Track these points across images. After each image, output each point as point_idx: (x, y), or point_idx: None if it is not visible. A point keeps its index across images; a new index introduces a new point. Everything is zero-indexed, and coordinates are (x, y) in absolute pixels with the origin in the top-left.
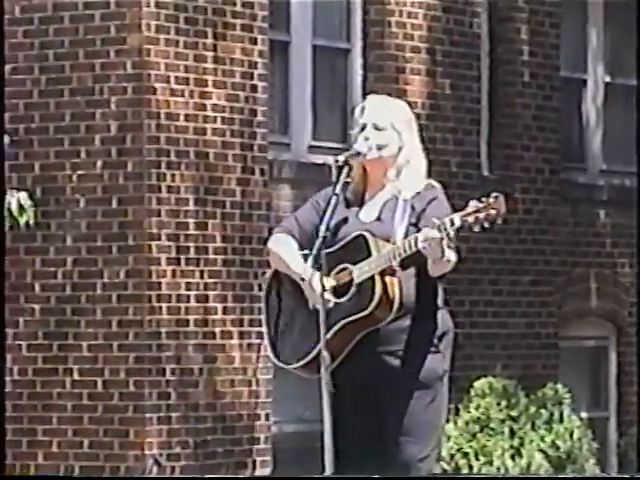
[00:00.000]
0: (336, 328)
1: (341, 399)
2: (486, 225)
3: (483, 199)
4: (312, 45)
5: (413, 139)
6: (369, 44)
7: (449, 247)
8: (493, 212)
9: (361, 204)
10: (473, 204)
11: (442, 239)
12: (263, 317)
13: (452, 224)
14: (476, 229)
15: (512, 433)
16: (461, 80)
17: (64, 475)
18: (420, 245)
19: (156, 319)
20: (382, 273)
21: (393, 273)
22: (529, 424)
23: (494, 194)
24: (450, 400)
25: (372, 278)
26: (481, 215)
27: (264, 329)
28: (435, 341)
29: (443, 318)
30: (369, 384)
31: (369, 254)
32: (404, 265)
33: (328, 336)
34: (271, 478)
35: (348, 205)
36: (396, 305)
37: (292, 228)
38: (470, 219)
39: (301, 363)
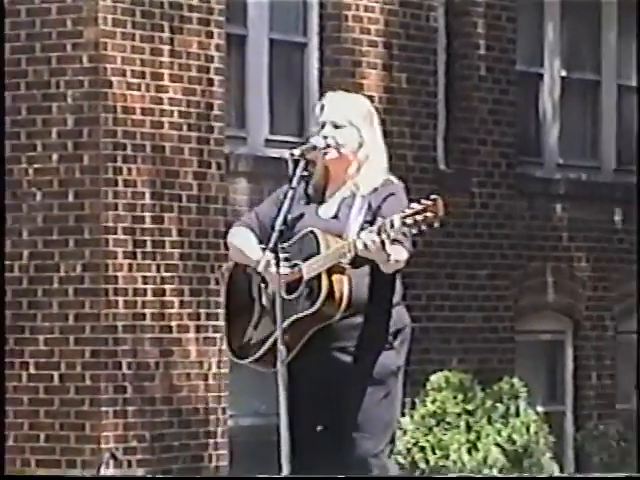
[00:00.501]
0: (286, 324)
1: (296, 394)
2: (424, 228)
3: (422, 201)
4: (269, 39)
5: (374, 134)
6: (326, 38)
7: (400, 243)
8: (431, 215)
9: (321, 201)
10: (412, 206)
11: (383, 241)
12: (221, 311)
13: (392, 226)
14: (414, 231)
15: (468, 427)
16: (418, 74)
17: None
18: (359, 248)
19: (112, 313)
20: (330, 271)
21: (342, 271)
22: (485, 418)
23: (432, 196)
24: (406, 394)
25: (319, 276)
26: (419, 217)
27: (222, 323)
28: (389, 337)
29: (399, 314)
30: (322, 380)
31: (318, 251)
32: (356, 263)
33: (274, 337)
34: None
35: (309, 201)
36: (344, 303)
37: (251, 222)
38: (409, 221)
39: (256, 357)
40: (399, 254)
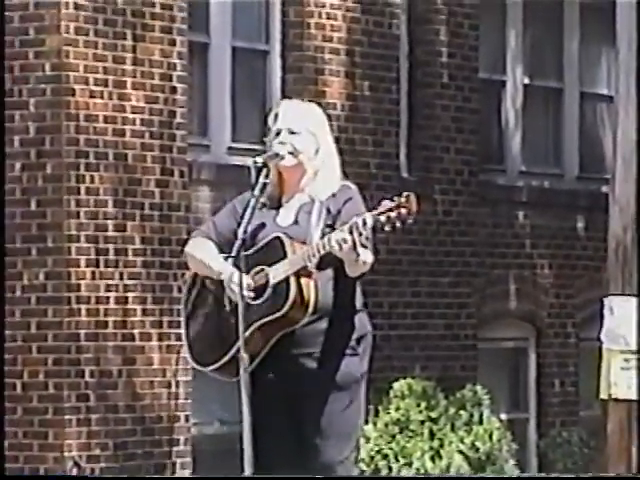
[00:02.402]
0: (252, 329)
1: (260, 401)
2: (398, 224)
3: (395, 198)
4: (231, 46)
5: (328, 141)
6: (288, 45)
7: (364, 247)
8: (404, 211)
9: (278, 208)
10: (385, 203)
11: (355, 240)
12: (182, 319)
13: (364, 224)
14: (388, 228)
15: (431, 434)
16: (380, 82)
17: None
18: (332, 246)
19: (75, 321)
20: (298, 275)
21: (309, 275)
22: (448, 425)
23: (405, 193)
24: (369, 402)
25: (287, 279)
26: (393, 214)
27: (183, 331)
28: (353, 344)
29: (361, 321)
30: (287, 386)
31: (285, 256)
32: (321, 266)
33: (245, 337)
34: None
35: (266, 208)
36: (311, 307)
37: (210, 232)
38: (382, 218)
39: (217, 365)
40: (367, 256)
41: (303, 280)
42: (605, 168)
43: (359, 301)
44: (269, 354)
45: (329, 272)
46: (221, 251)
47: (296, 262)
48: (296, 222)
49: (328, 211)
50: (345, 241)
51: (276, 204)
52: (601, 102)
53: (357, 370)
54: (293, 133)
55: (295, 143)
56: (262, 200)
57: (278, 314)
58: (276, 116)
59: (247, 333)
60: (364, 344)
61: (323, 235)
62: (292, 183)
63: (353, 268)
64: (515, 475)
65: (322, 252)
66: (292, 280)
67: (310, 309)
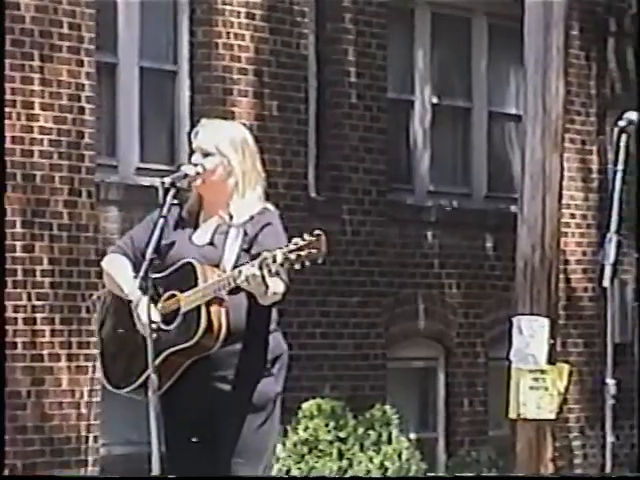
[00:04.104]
0: (164, 355)
1: (174, 422)
2: (307, 263)
3: (306, 236)
4: (139, 67)
5: (245, 162)
6: (196, 66)
7: (277, 276)
8: (314, 251)
9: (195, 226)
10: (295, 241)
11: (264, 275)
12: (96, 339)
13: (274, 261)
14: (297, 267)
15: (340, 454)
16: (288, 102)
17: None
18: (240, 281)
19: None
20: (209, 302)
21: (220, 302)
22: (357, 445)
23: (316, 232)
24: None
25: (198, 308)
26: (303, 253)
27: (97, 351)
28: (267, 364)
29: (276, 340)
30: (201, 408)
31: (196, 282)
32: (233, 292)
33: (156, 362)
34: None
35: (183, 226)
36: (222, 334)
37: (126, 248)
38: (292, 256)
39: (131, 388)
40: (277, 287)
41: (213, 308)
42: (513, 187)
43: (274, 322)
44: (183, 376)
45: (242, 296)
46: (136, 267)
47: (207, 292)
48: (211, 243)
49: (245, 234)
50: (255, 277)
51: (194, 222)
52: (509, 121)
53: (272, 390)
54: (205, 154)
55: (206, 164)
56: (179, 217)
57: (189, 343)
58: (196, 134)
59: (159, 359)
60: (279, 364)
61: (238, 259)
62: (209, 203)
63: (263, 299)
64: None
65: (232, 285)
66: (203, 309)
67: (222, 337)
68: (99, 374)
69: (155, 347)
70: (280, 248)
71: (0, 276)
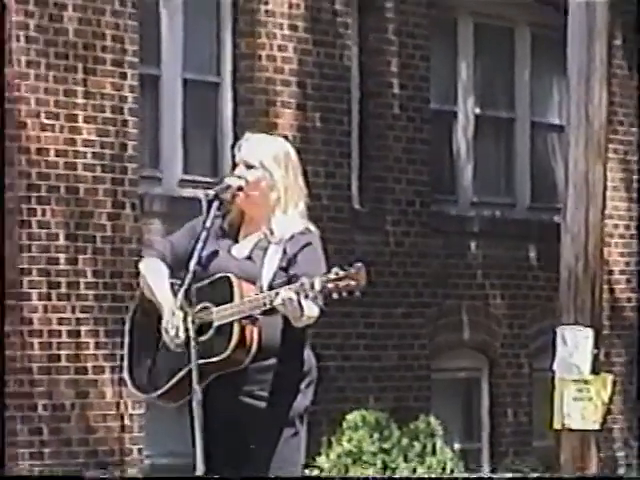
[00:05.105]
0: (193, 366)
1: (209, 435)
2: (344, 294)
3: (346, 267)
4: (182, 79)
5: (288, 177)
6: (239, 77)
7: (314, 301)
8: (353, 283)
9: (236, 238)
10: (335, 271)
11: (300, 300)
12: (126, 341)
13: (312, 287)
14: (335, 296)
15: (385, 466)
16: (331, 113)
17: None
18: (277, 304)
19: (28, 354)
20: (242, 319)
21: (254, 321)
22: (401, 456)
23: (357, 264)
24: (323, 433)
25: (231, 323)
26: (341, 284)
27: (125, 354)
28: (298, 380)
29: (306, 356)
30: (233, 422)
31: (232, 297)
32: (268, 312)
33: (182, 373)
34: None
35: (224, 236)
36: (254, 349)
37: (165, 253)
38: (330, 285)
39: (160, 392)
40: (312, 311)
41: (247, 324)
42: (556, 197)
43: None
44: (215, 390)
45: (278, 315)
46: (173, 273)
47: (242, 309)
48: (250, 257)
49: (284, 252)
50: (291, 301)
51: (234, 235)
52: (552, 132)
53: (300, 405)
54: (248, 167)
55: (248, 176)
56: (221, 227)
57: (220, 357)
58: (240, 147)
59: (185, 370)
60: (308, 379)
61: (275, 277)
62: (250, 217)
63: (297, 322)
64: None
65: (267, 306)
66: (236, 324)
67: (252, 352)
68: (124, 373)
69: (185, 357)
70: (320, 275)
71: None
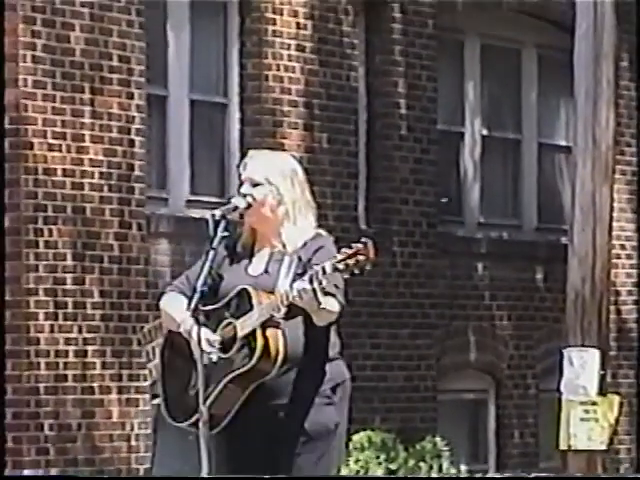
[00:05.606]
0: (224, 382)
1: (236, 452)
2: (356, 271)
3: (353, 245)
4: (189, 99)
5: (295, 190)
6: (246, 98)
7: (330, 295)
8: (362, 258)
9: (250, 258)
10: (343, 250)
11: (315, 289)
12: (159, 376)
13: (324, 272)
14: (346, 275)
15: None
16: (339, 134)
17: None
18: (292, 297)
19: (34, 374)
20: (264, 326)
21: (277, 325)
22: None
23: (363, 239)
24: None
25: (254, 331)
26: (351, 261)
27: (159, 388)
28: (327, 392)
29: (338, 368)
30: (260, 437)
31: (252, 307)
32: (289, 316)
33: (216, 391)
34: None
35: (239, 260)
36: (280, 358)
37: (183, 286)
38: (340, 266)
39: (192, 420)
40: (332, 305)
41: (270, 331)
42: (564, 219)
43: (334, 348)
44: (244, 405)
45: (299, 320)
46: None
47: (262, 314)
48: (266, 271)
49: (299, 260)
50: (305, 291)
51: (249, 254)
52: (559, 153)
53: (330, 420)
54: (254, 184)
55: (255, 194)
56: (234, 251)
57: (246, 368)
58: (245, 166)
59: (219, 387)
60: (340, 392)
61: (292, 284)
62: (262, 233)
63: (317, 317)
64: None
65: (285, 302)
66: (258, 332)
67: (279, 361)
68: (162, 408)
69: (215, 376)
70: (329, 259)
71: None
